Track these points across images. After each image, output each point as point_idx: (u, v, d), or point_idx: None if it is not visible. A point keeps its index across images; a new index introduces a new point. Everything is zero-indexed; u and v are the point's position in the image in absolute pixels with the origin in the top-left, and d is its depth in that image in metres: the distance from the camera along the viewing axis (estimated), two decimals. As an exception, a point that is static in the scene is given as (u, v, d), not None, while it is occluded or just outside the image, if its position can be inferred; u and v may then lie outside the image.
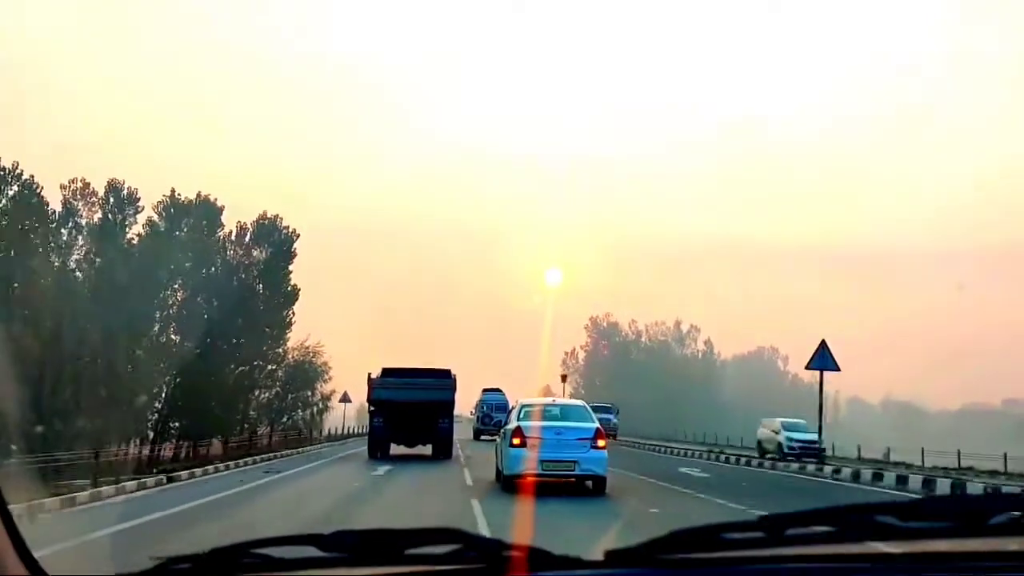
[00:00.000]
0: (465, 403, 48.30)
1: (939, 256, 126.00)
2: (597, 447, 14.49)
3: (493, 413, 43.54)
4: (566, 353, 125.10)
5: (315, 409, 51.79)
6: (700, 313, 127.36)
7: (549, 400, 17.49)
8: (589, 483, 14.77)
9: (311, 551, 1.56)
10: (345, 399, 49.79)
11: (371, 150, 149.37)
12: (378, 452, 26.34)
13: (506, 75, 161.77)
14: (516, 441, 14.59)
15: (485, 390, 47.42)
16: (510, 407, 39.48)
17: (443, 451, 26.66)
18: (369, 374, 27.64)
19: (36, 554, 1.64)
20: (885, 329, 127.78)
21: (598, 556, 1.61)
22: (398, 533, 1.58)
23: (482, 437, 41.79)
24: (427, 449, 27.34)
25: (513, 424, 15.22)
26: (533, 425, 14.82)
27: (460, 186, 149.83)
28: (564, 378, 66.07)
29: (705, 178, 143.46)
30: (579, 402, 18.25)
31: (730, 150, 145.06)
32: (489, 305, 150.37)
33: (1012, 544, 1.60)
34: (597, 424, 15.27)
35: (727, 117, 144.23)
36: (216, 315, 44.21)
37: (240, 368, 46.72)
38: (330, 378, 51.69)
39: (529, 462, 14.40)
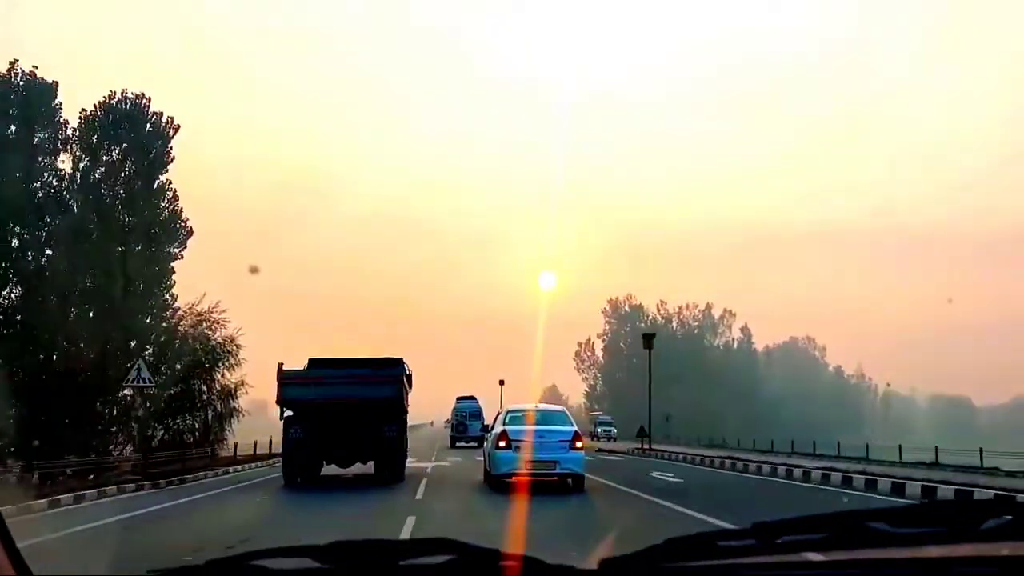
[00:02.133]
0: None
1: (987, 243, 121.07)
2: (575, 448, 15.97)
3: (467, 421, 45.38)
4: (580, 345, 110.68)
5: (214, 412, 30.48)
6: (727, 300, 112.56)
7: (531, 406, 18.78)
8: (570, 480, 16.04)
9: (307, 562, 1.56)
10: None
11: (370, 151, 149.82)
12: (298, 476, 18.97)
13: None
14: (502, 444, 16.02)
15: (459, 398, 48.10)
16: (481, 414, 43.31)
17: (390, 469, 19.11)
18: (280, 365, 19.25)
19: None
20: (928, 320, 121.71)
21: (592, 565, 1.61)
22: (394, 544, 1.59)
23: (458, 444, 43.53)
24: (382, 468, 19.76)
25: (499, 428, 16.64)
26: (517, 429, 16.26)
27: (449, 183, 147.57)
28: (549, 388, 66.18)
29: (732, 158, 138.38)
30: (559, 407, 20.41)
31: (761, 124, 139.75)
32: (484, 301, 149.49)
33: (1004, 549, 1.61)
34: (575, 428, 16.69)
35: (761, 90, 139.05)
36: (48, 260, 28.87)
37: (88, 348, 28.65)
38: (238, 363, 30.77)
39: (514, 463, 15.80)
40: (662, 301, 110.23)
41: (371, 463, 19.52)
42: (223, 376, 30.73)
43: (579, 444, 16.05)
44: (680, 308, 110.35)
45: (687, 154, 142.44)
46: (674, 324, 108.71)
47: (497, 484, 15.95)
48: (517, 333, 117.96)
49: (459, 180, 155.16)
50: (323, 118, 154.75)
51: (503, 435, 16.06)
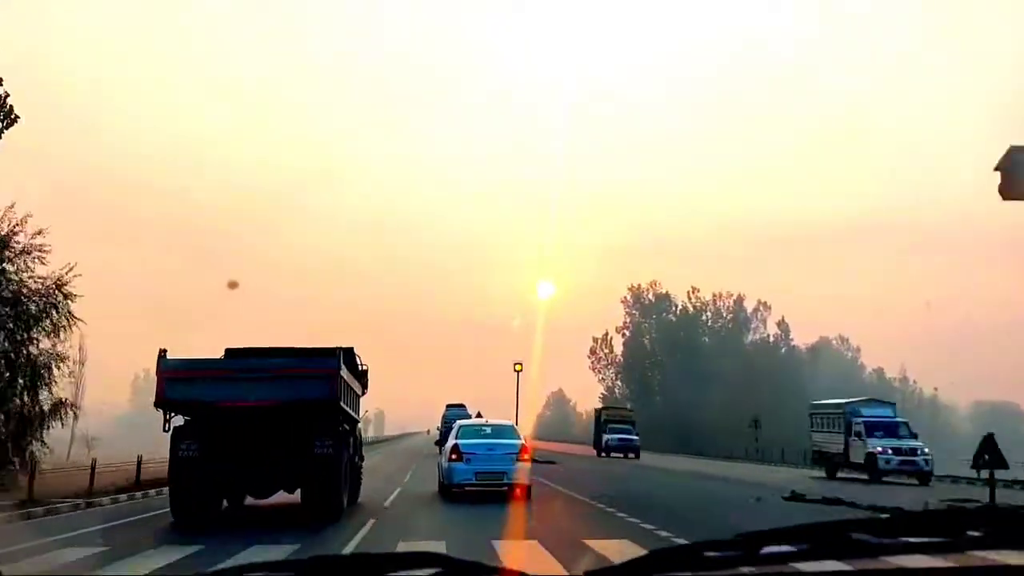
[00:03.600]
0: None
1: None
2: (523, 460, 17.36)
3: None
4: (595, 340, 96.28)
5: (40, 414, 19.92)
6: (751, 296, 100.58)
7: (482, 421, 20.48)
8: (517, 490, 17.06)
9: None
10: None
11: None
12: (192, 509, 13.69)
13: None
14: (454, 456, 17.35)
15: (449, 405, 49.70)
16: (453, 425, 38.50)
17: (322, 499, 14.01)
18: (161, 352, 13.72)
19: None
20: (967, 322, 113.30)
21: None
22: (378, 558, 1.58)
23: None
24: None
25: (451, 442, 17.86)
26: (468, 443, 17.57)
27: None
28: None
29: (755, 149, 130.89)
30: (508, 422, 21.36)
31: (794, 110, 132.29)
32: (483, 306, 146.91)
33: (988, 558, 1.62)
34: (522, 441, 18.13)
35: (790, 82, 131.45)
36: None
37: None
38: (68, 325, 20.50)
39: (466, 474, 17.15)
40: (694, 288, 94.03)
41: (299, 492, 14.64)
42: (35, 343, 19.52)
43: (525, 456, 17.55)
44: (714, 297, 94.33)
45: (692, 151, 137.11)
46: (707, 316, 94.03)
47: (450, 494, 17.27)
48: (521, 336, 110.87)
49: (460, 180, 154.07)
50: (319, 119, 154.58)
51: (455, 449, 17.38)
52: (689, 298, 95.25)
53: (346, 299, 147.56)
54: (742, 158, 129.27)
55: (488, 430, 18.59)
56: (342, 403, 14.17)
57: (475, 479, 17.05)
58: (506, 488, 16.99)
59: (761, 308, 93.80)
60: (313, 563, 1.59)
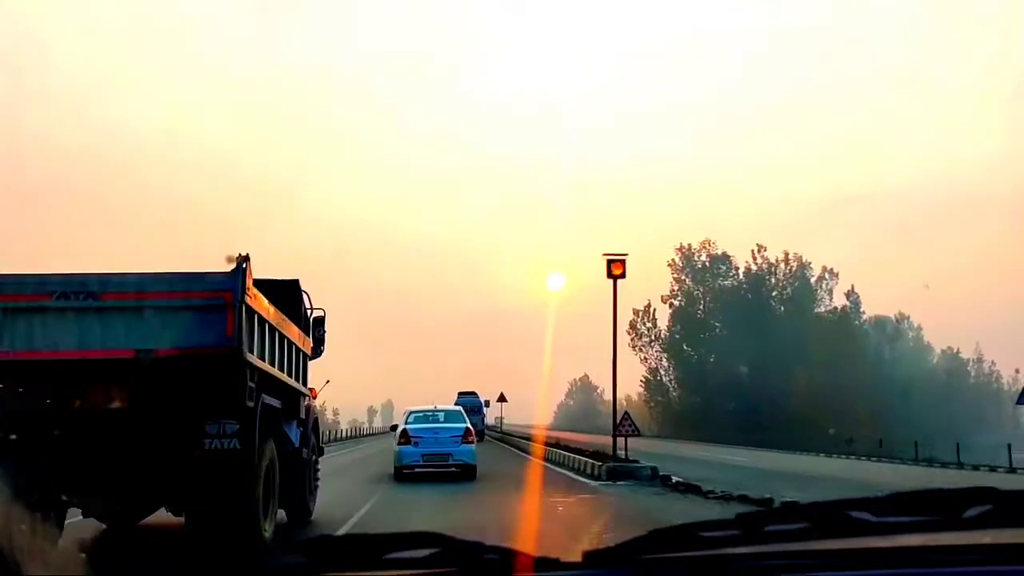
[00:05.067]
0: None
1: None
2: (467, 442, 18.58)
3: (468, 415, 45.53)
4: (635, 313, 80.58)
5: None
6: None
7: (432, 407, 21.16)
8: (462, 470, 18.29)
9: (291, 557, 1.55)
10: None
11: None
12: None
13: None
14: (403, 440, 18.58)
15: (460, 393, 49.21)
16: (482, 409, 45.00)
17: (222, 524, 8.29)
18: None
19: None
20: None
21: (576, 557, 1.61)
22: (377, 538, 1.59)
23: None
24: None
25: (402, 427, 19.19)
26: (416, 427, 18.80)
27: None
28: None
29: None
30: (457, 408, 22.34)
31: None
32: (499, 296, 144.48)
33: (986, 537, 1.62)
34: (468, 425, 19.32)
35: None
36: None
37: None
38: None
39: (413, 456, 18.28)
40: (760, 246, 78.78)
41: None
42: None
43: (470, 439, 18.73)
44: (778, 260, 78.73)
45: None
46: (776, 280, 79.18)
47: (401, 475, 18.27)
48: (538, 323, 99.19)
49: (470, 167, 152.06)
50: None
51: (404, 433, 18.67)
52: (754, 258, 79.09)
53: (351, 289, 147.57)
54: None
55: (440, 416, 19.94)
56: (253, 356, 8.15)
57: (422, 460, 18.23)
58: (454, 468, 18.23)
59: (827, 275, 78.96)
60: (313, 543, 1.60)
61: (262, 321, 8.35)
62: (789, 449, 43.55)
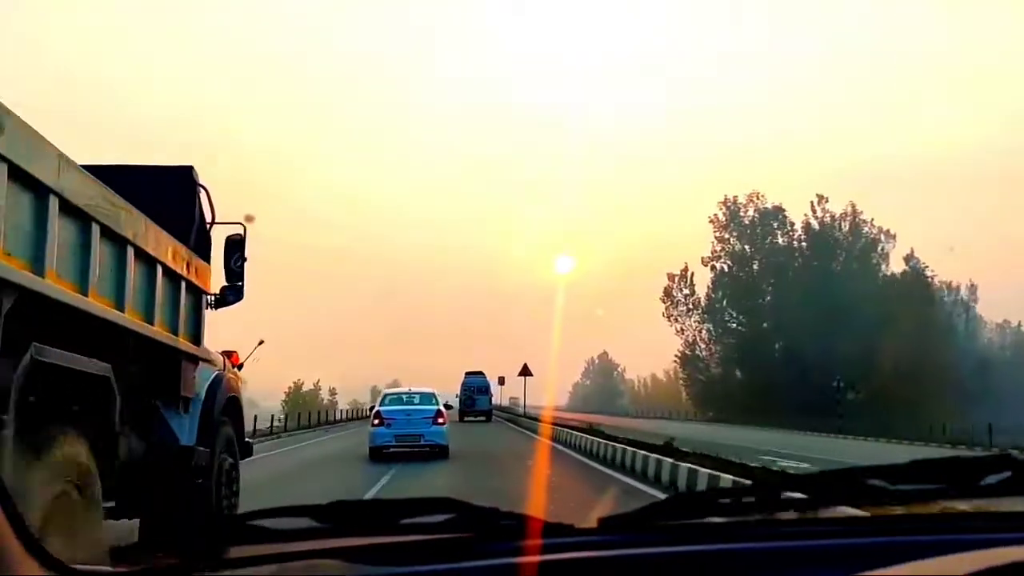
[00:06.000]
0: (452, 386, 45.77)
1: None
2: (437, 423, 19.10)
3: (475, 395, 47.29)
4: (670, 279, 71.70)
5: None
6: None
7: (405, 389, 21.89)
8: (437, 449, 18.90)
9: (307, 522, 1.57)
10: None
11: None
12: None
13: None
14: (376, 422, 19.31)
15: (468, 373, 49.26)
16: (489, 389, 47.28)
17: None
18: None
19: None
20: None
21: (592, 523, 1.61)
22: (393, 503, 1.60)
23: (467, 419, 44.81)
24: None
25: (376, 409, 20.05)
26: (389, 409, 19.47)
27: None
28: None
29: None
30: (429, 389, 22.08)
31: None
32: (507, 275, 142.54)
33: (1003, 505, 1.61)
34: (439, 407, 19.76)
35: None
36: None
37: None
38: None
39: (386, 437, 18.92)
40: (820, 196, 67.65)
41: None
42: None
43: (440, 420, 19.23)
44: (844, 214, 67.99)
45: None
46: (836, 241, 68.32)
47: (375, 455, 18.74)
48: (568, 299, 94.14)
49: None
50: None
51: (377, 414, 19.49)
52: (813, 211, 67.34)
53: (360, 275, 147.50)
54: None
55: (414, 398, 20.42)
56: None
57: (395, 441, 18.88)
58: (427, 448, 18.82)
59: (883, 237, 68.41)
60: (330, 508, 1.61)
61: (36, 188, 3.87)
62: (873, 435, 37.35)
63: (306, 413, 45.99)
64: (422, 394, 21.02)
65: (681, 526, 1.61)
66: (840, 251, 67.62)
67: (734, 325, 70.10)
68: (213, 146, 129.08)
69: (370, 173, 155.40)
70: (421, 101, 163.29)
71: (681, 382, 78.74)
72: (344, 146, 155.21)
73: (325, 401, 63.06)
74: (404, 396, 20.77)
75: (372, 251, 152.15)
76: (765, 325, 66.85)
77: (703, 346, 72.92)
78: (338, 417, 53.67)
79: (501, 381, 54.61)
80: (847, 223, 68.08)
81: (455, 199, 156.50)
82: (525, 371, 46.91)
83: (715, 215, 70.02)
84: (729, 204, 69.35)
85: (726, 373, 70.65)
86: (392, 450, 18.89)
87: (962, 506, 1.60)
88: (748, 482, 9.57)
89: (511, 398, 64.68)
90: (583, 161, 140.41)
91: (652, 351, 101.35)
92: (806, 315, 58.23)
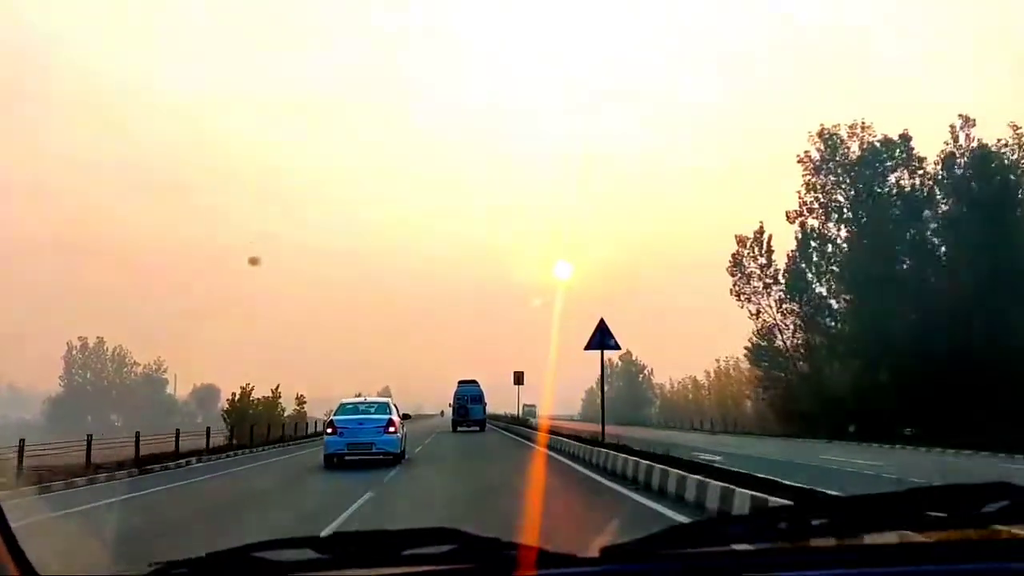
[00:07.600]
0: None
1: None
2: (389, 432, 19.70)
3: (468, 404, 45.87)
4: (740, 243, 51.82)
5: None
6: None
7: (360, 399, 22.41)
8: (390, 457, 19.52)
9: (308, 553, 1.57)
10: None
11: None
12: None
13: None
14: (330, 431, 19.87)
15: (461, 382, 47.77)
16: (483, 398, 46.33)
17: None
18: None
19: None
20: None
21: (594, 553, 1.61)
22: (395, 534, 1.60)
23: (460, 428, 44.43)
24: None
25: (330, 419, 20.54)
26: (342, 419, 19.89)
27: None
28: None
29: None
30: (385, 399, 23.09)
31: None
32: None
33: (1004, 533, 1.62)
34: (391, 416, 20.21)
35: None
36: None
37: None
38: None
39: (339, 445, 19.43)
40: (964, 117, 44.16)
41: None
42: None
43: (392, 429, 19.80)
44: (1002, 143, 43.66)
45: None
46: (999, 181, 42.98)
47: (328, 463, 19.41)
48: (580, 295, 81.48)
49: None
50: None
51: (331, 424, 20.00)
52: (954, 138, 44.57)
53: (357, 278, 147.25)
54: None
55: (366, 407, 20.93)
56: None
57: (347, 449, 19.41)
58: (379, 456, 19.34)
59: None
60: (332, 539, 1.61)
61: None
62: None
63: (261, 426, 36.20)
64: (377, 404, 21.69)
65: (684, 555, 1.61)
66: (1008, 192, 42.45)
67: (834, 303, 49.49)
68: (200, 139, 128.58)
69: (370, 173, 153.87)
70: (417, 102, 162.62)
71: (755, 384, 58.23)
72: (344, 145, 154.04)
73: (288, 412, 45.68)
74: (360, 406, 21.17)
75: (372, 251, 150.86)
76: (891, 308, 41.90)
77: (783, 337, 51.94)
78: (309, 431, 41.87)
79: (518, 379, 51.64)
80: (1017, 151, 44.15)
81: (455, 198, 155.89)
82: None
83: (805, 152, 48.86)
84: (825, 137, 48.75)
85: (818, 371, 48.92)
86: (347, 458, 19.32)
87: (963, 534, 1.60)
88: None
89: (525, 406, 60.76)
90: (595, 151, 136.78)
91: (717, 339, 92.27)
92: (964, 286, 39.06)
